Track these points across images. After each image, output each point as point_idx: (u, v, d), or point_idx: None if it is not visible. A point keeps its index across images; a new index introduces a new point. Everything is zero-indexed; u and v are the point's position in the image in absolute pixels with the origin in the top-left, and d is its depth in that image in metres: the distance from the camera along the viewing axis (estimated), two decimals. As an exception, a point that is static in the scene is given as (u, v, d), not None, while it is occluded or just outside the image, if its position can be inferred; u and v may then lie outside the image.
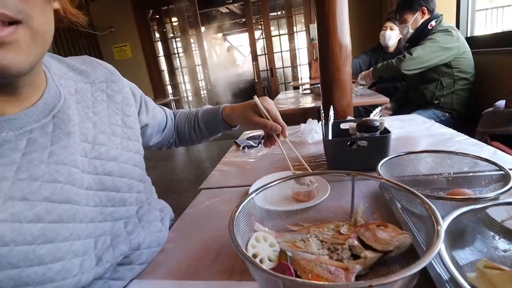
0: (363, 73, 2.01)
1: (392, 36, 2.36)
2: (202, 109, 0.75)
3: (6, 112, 0.34)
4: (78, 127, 0.41)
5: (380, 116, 0.82)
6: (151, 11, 4.53)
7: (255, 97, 0.64)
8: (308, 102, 2.20)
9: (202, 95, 4.92)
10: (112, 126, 0.47)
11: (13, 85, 0.34)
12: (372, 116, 0.81)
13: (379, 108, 0.86)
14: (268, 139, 0.67)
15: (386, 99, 1.87)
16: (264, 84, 4.65)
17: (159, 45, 4.78)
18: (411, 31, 1.87)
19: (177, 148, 0.81)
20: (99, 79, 0.49)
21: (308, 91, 2.67)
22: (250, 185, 0.72)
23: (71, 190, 0.36)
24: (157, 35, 4.77)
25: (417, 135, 0.98)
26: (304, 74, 4.50)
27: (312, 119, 1.14)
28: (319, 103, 1.89)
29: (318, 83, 2.36)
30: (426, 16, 1.80)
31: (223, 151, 3.66)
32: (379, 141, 0.70)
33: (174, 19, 4.69)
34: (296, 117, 1.83)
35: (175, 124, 0.77)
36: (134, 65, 4.55)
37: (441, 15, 1.80)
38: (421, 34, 1.80)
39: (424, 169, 0.62)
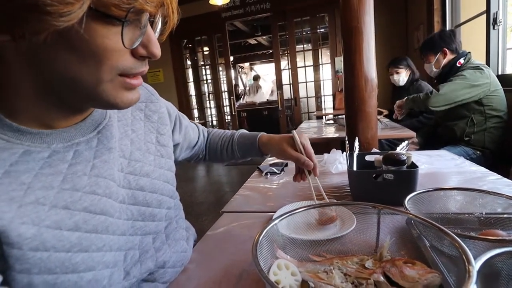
0: (397, 102, 2.00)
1: (400, 78, 2.53)
2: (238, 132, 0.80)
3: (58, 125, 0.37)
4: (118, 143, 0.44)
5: (407, 151, 0.81)
6: (185, 40, 4.86)
7: (293, 132, 0.68)
8: (331, 132, 2.20)
9: (226, 120, 5.06)
10: (147, 143, 0.50)
11: (86, 108, 0.39)
12: (398, 149, 0.81)
13: (406, 142, 0.85)
14: (299, 173, 0.70)
15: (412, 133, 1.83)
16: (287, 112, 4.72)
17: (190, 72, 5.06)
18: (435, 70, 1.90)
19: (205, 161, 0.85)
20: (140, 98, 0.53)
21: (332, 122, 2.68)
22: (272, 211, 0.72)
23: (107, 203, 0.39)
24: (188, 62, 5.06)
25: (446, 171, 0.95)
26: (327, 104, 4.53)
27: (336, 149, 1.15)
28: (343, 134, 1.89)
29: (342, 114, 2.38)
30: (450, 56, 1.83)
31: (243, 176, 3.67)
32: (406, 175, 0.69)
33: (205, 48, 4.99)
34: (319, 146, 1.83)
35: (207, 142, 0.81)
36: (165, 89, 4.81)
37: (469, 52, 1.80)
38: (450, 72, 1.80)
39: (454, 207, 0.60)
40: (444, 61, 1.84)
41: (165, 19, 0.37)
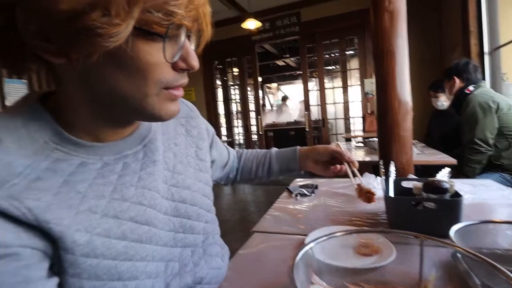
0: None
1: (439, 101, 2.54)
2: (273, 149, 0.84)
3: (108, 139, 0.39)
4: (162, 156, 0.46)
5: (449, 178, 0.77)
6: (216, 62, 5.08)
7: (338, 142, 0.73)
8: (360, 155, 2.15)
9: (253, 139, 5.12)
10: (188, 157, 0.52)
11: (133, 122, 0.42)
12: (439, 176, 0.77)
13: (448, 169, 0.80)
14: (334, 163, 0.79)
15: (453, 160, 1.72)
16: (315, 133, 4.68)
17: (219, 91, 5.24)
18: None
19: (235, 182, 0.87)
20: (181, 115, 0.56)
21: (361, 144, 2.61)
22: (303, 234, 0.71)
23: (152, 214, 0.40)
24: (218, 82, 5.26)
25: (493, 202, 0.88)
26: (357, 126, 4.44)
27: (368, 173, 1.11)
28: (374, 157, 1.83)
29: (372, 137, 2.32)
30: (460, 84, 1.95)
31: (269, 196, 3.63)
32: (450, 204, 0.65)
33: (235, 69, 5.17)
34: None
35: (239, 163, 0.84)
36: (197, 107, 4.98)
37: (483, 82, 1.92)
38: (460, 98, 1.92)
39: (506, 243, 0.55)
40: (454, 89, 1.97)
41: (200, 32, 0.39)
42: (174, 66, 0.36)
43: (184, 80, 0.38)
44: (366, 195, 0.74)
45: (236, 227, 2.72)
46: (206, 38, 0.40)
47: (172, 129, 0.52)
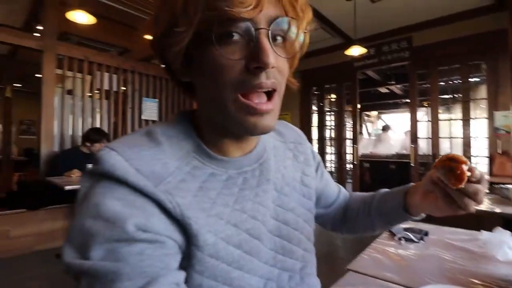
0: None
1: None
2: (380, 190, 0.64)
3: (232, 154, 0.43)
4: (273, 176, 0.48)
5: None
6: (314, 87, 5.13)
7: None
8: (486, 204, 1.75)
9: (346, 168, 4.85)
10: (294, 181, 0.52)
11: (245, 137, 0.44)
12: None
13: None
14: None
15: None
16: (422, 170, 4.09)
17: (315, 117, 5.23)
18: None
19: (341, 233, 0.68)
20: (290, 139, 0.58)
21: (487, 191, 2.13)
22: (411, 287, 0.61)
23: (262, 229, 0.42)
24: (314, 108, 5.27)
25: None
26: (481, 168, 3.67)
27: (499, 227, 0.89)
28: (506, 209, 1.46)
29: (505, 183, 1.86)
30: None
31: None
32: None
33: (333, 95, 5.09)
34: (467, 219, 1.48)
35: (347, 206, 0.66)
36: None
37: None
38: None
39: None
40: None
41: (284, 24, 0.36)
42: (248, 66, 0.35)
43: (259, 80, 0.36)
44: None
45: (322, 260, 2.57)
46: (299, 26, 0.37)
47: (282, 152, 0.54)
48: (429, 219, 0.63)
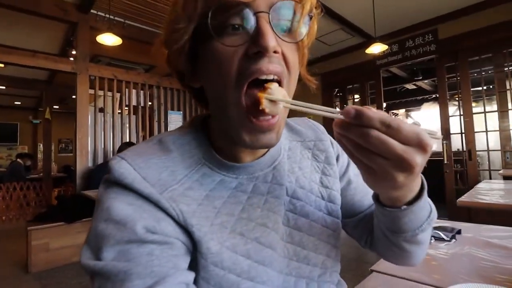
0: None
1: None
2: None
3: (244, 160, 0.42)
4: (285, 180, 0.45)
5: None
6: (336, 89, 5.04)
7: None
8: (531, 199, 1.60)
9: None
10: (311, 183, 0.48)
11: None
12: None
13: None
14: None
15: None
16: (457, 167, 3.85)
17: (338, 119, 5.13)
18: None
19: (372, 251, 0.55)
20: (309, 137, 0.53)
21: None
22: (440, 287, 0.58)
23: (274, 238, 0.40)
24: (338, 109, 5.17)
25: None
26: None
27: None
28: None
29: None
30: None
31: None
32: None
33: (356, 96, 4.97)
34: (508, 216, 1.37)
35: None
36: None
37: None
38: None
39: None
40: None
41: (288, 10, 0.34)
42: (247, 53, 0.33)
43: (260, 65, 0.33)
44: None
45: (352, 265, 2.48)
46: (305, 4, 0.35)
47: (298, 153, 0.50)
48: (468, 219, 0.57)
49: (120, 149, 3.04)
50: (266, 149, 0.44)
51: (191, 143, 0.42)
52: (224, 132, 0.40)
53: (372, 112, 0.28)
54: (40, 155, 7.54)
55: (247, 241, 0.38)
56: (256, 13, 0.33)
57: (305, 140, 0.53)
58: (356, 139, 0.28)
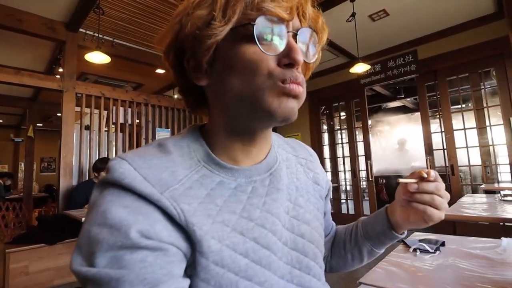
0: None
1: None
2: (360, 218, 0.63)
3: (242, 163, 0.44)
4: (285, 186, 0.47)
5: None
6: (323, 107, 5.17)
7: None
8: (509, 211, 1.66)
9: (361, 186, 4.73)
10: (308, 193, 0.52)
11: (257, 138, 0.45)
12: None
13: None
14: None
15: None
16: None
17: (325, 136, 5.22)
18: None
19: (327, 270, 0.64)
20: (302, 155, 0.58)
21: (511, 198, 2.03)
22: (426, 298, 0.59)
23: (272, 239, 0.41)
24: (325, 127, 5.27)
25: None
26: (503, 176, 3.51)
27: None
28: (533, 216, 1.38)
29: (528, 189, 1.77)
30: None
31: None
32: None
33: (342, 113, 5.11)
34: (489, 228, 1.42)
35: (334, 238, 0.66)
36: None
37: None
38: None
39: None
40: None
41: (312, 29, 0.42)
42: (279, 62, 0.39)
43: (293, 74, 0.39)
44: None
45: (340, 277, 2.45)
46: (320, 38, 0.43)
47: (294, 165, 0.54)
48: (453, 231, 0.62)
49: (95, 166, 2.96)
50: (264, 156, 0.47)
51: (190, 146, 0.43)
52: (230, 132, 0.43)
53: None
54: (21, 174, 7.27)
55: (246, 240, 0.39)
56: (289, 32, 0.39)
57: (298, 156, 0.57)
58: (432, 188, 0.46)
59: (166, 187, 0.36)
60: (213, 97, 0.44)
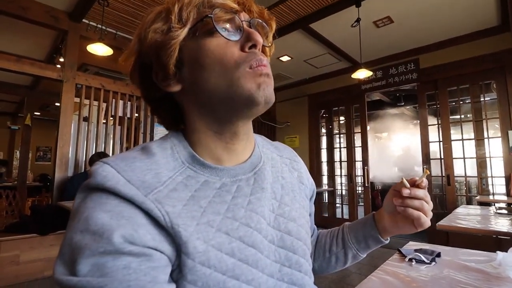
0: None
1: None
2: (345, 223, 0.66)
3: (227, 163, 0.45)
4: (270, 185, 0.48)
5: None
6: (322, 111, 5.18)
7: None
8: (503, 225, 1.67)
9: (357, 192, 4.74)
10: (294, 191, 0.52)
11: (239, 134, 0.46)
12: None
13: None
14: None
15: None
16: (435, 192, 3.97)
17: (324, 139, 5.23)
18: None
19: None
20: (286, 155, 0.59)
21: (505, 212, 2.04)
22: (421, 310, 0.58)
23: (257, 237, 0.41)
24: (323, 130, 5.28)
25: None
26: (498, 189, 3.54)
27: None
28: (527, 231, 1.39)
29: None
30: None
31: (374, 259, 3.21)
32: None
33: (341, 118, 5.12)
34: (483, 241, 1.42)
35: (317, 239, 0.68)
36: (300, 154, 4.94)
37: None
38: None
39: None
40: None
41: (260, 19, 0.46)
42: (242, 48, 0.42)
43: (258, 57, 0.42)
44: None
45: (331, 282, 2.46)
46: (269, 21, 0.47)
47: (279, 165, 0.55)
48: (446, 241, 0.62)
49: (92, 159, 2.95)
50: (248, 155, 0.48)
51: (173, 148, 0.43)
52: (213, 128, 0.44)
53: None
54: (16, 162, 7.21)
55: (232, 239, 0.39)
56: (243, 21, 0.43)
57: (283, 156, 0.58)
58: (422, 195, 0.50)
59: (150, 190, 0.36)
60: (189, 100, 0.45)
